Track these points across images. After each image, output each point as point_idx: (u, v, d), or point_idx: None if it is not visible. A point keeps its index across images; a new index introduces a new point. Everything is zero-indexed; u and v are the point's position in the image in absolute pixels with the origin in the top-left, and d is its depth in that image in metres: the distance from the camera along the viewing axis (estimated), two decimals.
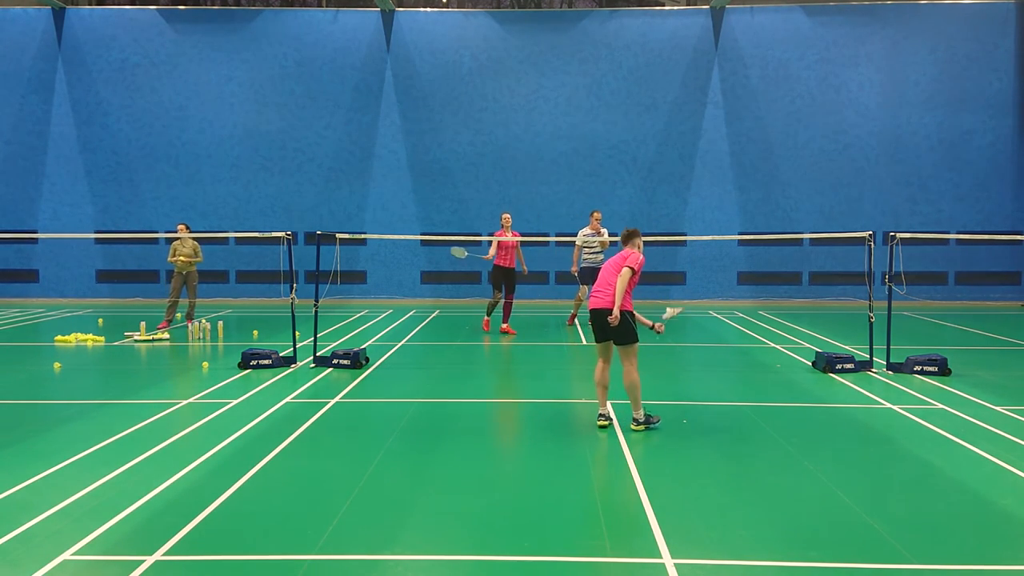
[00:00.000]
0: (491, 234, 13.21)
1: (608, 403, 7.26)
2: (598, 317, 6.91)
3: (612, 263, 7.02)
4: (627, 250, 7.07)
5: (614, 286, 6.83)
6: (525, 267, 13.57)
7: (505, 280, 13.05)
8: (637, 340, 6.86)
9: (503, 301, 13.13)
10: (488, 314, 13.35)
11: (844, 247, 18.40)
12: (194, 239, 13.73)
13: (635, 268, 6.84)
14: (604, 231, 13.47)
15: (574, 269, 13.86)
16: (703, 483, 5.61)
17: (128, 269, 19.06)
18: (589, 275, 13.09)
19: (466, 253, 12.81)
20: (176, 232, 13.69)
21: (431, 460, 6.12)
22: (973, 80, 18.31)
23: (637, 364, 6.86)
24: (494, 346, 12.08)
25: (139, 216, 18.96)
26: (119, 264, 19.13)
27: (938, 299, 18.29)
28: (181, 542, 4.47)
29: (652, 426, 6.93)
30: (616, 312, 6.69)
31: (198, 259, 13.69)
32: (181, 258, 13.40)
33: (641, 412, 6.91)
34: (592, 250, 13.40)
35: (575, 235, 18.42)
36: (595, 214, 13.49)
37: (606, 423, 6.98)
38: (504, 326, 13.10)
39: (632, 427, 6.88)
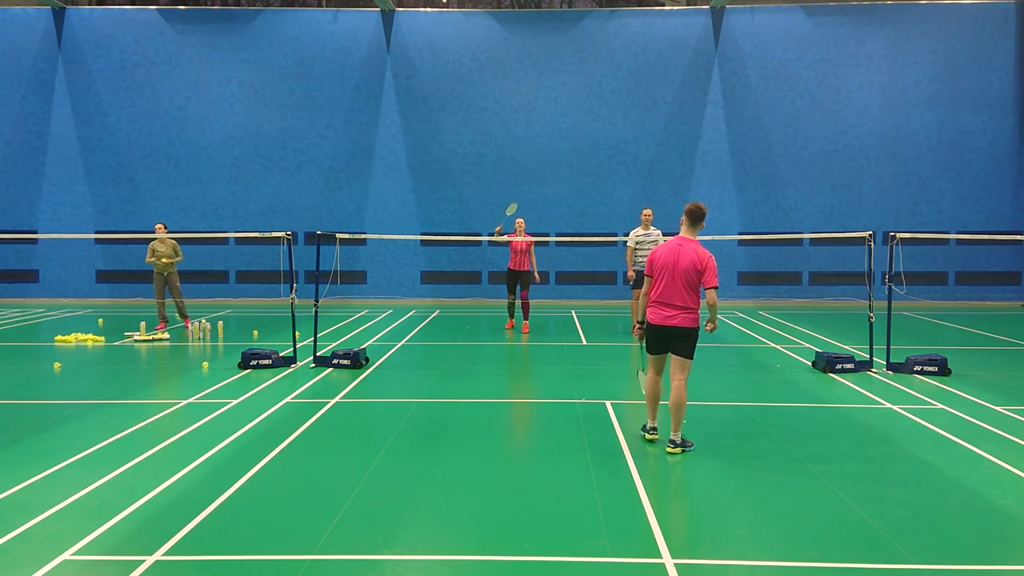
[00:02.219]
0: (497, 233, 13.36)
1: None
2: (674, 335, 6.20)
3: (685, 272, 6.11)
4: (697, 246, 6.18)
5: (693, 301, 6.14)
6: (536, 275, 13.55)
7: (518, 280, 13.41)
8: None
9: (519, 301, 13.52)
10: (511, 315, 13.75)
11: (844, 247, 18.40)
12: (173, 239, 13.54)
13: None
14: (655, 230, 12.76)
15: (630, 273, 12.78)
16: (703, 483, 5.61)
17: (128, 269, 19.05)
18: (640, 281, 12.56)
19: (516, 206, 13.57)
20: (154, 232, 13.28)
21: (431, 460, 6.12)
22: (973, 80, 18.31)
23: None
24: (494, 346, 12.08)
25: (139, 216, 18.95)
26: (119, 264, 19.13)
27: (938, 299, 18.29)
28: (181, 542, 4.48)
29: (687, 450, 6.27)
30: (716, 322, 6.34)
31: (178, 258, 13.52)
32: (163, 259, 13.24)
33: (680, 434, 6.28)
34: (646, 251, 12.48)
35: (575, 235, 18.49)
36: (646, 211, 12.81)
37: (656, 436, 6.51)
38: (524, 323, 13.46)
39: (669, 450, 6.21)
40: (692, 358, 6.29)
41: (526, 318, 13.49)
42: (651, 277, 6.33)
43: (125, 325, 13.68)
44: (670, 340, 6.26)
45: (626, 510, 5.04)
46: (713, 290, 6.17)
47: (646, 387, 6.57)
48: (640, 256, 12.55)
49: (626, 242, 12.93)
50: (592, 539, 4.55)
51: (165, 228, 13.23)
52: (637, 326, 6.67)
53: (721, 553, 4.37)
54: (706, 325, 6.37)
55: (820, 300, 18.24)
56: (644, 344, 6.57)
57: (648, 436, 6.53)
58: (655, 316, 6.27)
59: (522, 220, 13.30)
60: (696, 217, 6.27)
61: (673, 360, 6.29)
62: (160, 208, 18.90)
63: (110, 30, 18.80)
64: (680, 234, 6.36)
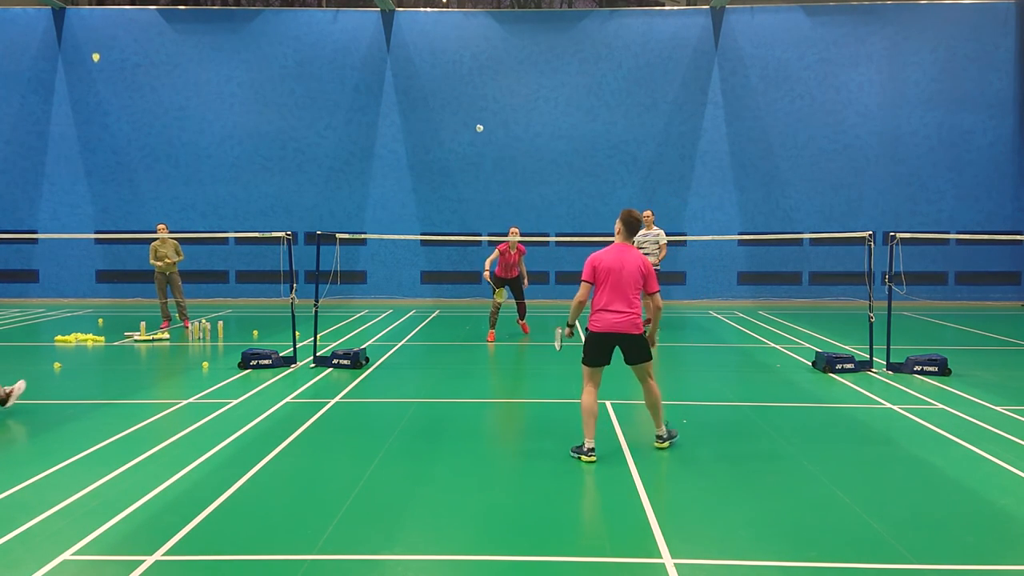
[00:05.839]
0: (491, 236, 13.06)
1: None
2: (623, 343, 6.05)
3: (632, 276, 6.06)
4: (637, 251, 6.20)
5: (637, 305, 6.10)
6: (526, 281, 12.82)
7: (508, 285, 12.58)
8: None
9: (516, 303, 12.78)
10: (492, 326, 12.53)
11: (844, 247, 18.40)
12: (174, 239, 13.62)
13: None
14: (657, 230, 13.15)
15: None
16: (703, 483, 5.60)
17: (128, 269, 19.05)
18: None
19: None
20: (156, 233, 13.36)
21: (431, 460, 6.12)
22: (973, 80, 18.31)
23: None
24: (494, 346, 12.07)
25: (139, 216, 18.95)
26: (119, 264, 19.13)
27: (938, 299, 18.28)
28: (181, 542, 4.48)
29: (674, 440, 6.39)
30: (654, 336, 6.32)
31: (180, 258, 13.61)
32: (167, 259, 13.32)
33: (664, 427, 6.35)
34: (643, 249, 13.05)
35: (574, 235, 18.48)
36: (646, 212, 13.23)
37: (595, 457, 6.01)
38: (521, 323, 12.97)
39: (657, 445, 6.30)
40: (652, 359, 6.19)
41: (523, 317, 12.93)
42: (590, 283, 6.18)
43: (125, 325, 13.68)
44: (622, 349, 6.09)
45: (626, 510, 5.04)
46: (658, 295, 6.25)
47: (584, 404, 6.08)
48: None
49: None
50: (592, 539, 4.55)
51: (166, 228, 13.33)
52: (569, 329, 6.45)
53: (721, 553, 4.37)
54: (649, 337, 6.30)
55: (820, 300, 18.24)
56: (582, 352, 6.25)
57: (586, 458, 5.98)
58: (601, 323, 6.05)
59: (516, 228, 12.57)
60: (635, 227, 6.23)
61: (637, 370, 6.19)
62: (160, 208, 18.91)
63: (110, 30, 18.80)
64: (617, 242, 6.24)
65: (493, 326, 12.58)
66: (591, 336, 6.11)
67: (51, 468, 5.80)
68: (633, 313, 6.06)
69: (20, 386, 7.79)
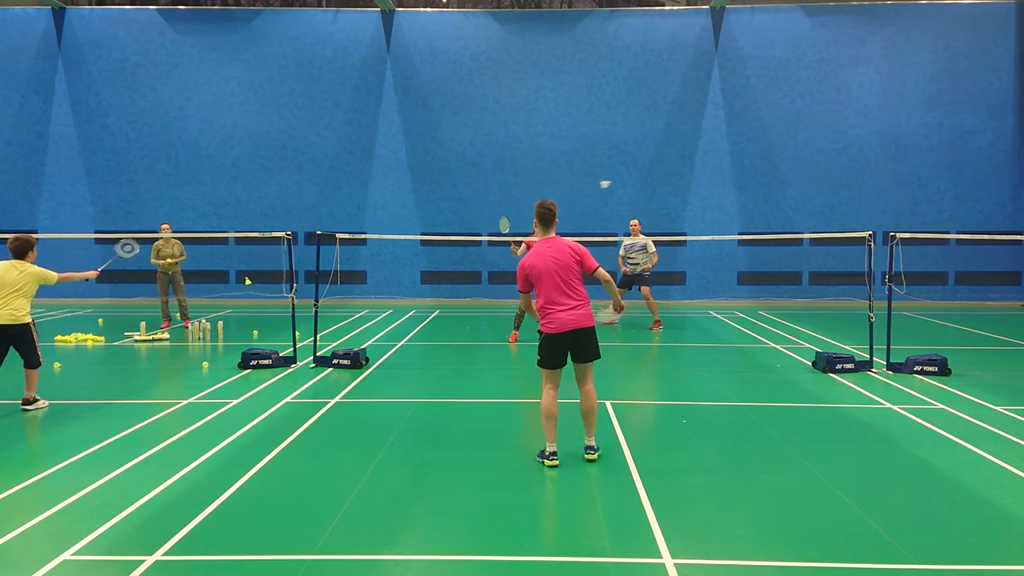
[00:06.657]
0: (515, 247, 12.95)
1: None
2: (579, 339, 5.83)
3: (566, 266, 5.82)
4: (562, 239, 5.96)
5: (583, 292, 5.89)
6: None
7: None
8: None
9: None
10: (516, 327, 12.14)
11: (844, 247, 18.40)
12: (178, 239, 13.67)
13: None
14: (643, 238, 13.72)
15: (624, 269, 13.85)
16: (703, 483, 5.60)
17: (128, 269, 19.01)
18: (625, 282, 13.67)
19: (508, 226, 11.53)
20: (159, 232, 13.46)
21: (431, 460, 6.12)
22: (973, 80, 18.31)
23: None
24: (494, 346, 12.06)
25: (139, 216, 18.95)
26: (118, 264, 19.06)
27: (938, 299, 18.28)
28: (181, 542, 4.48)
29: (599, 454, 6.03)
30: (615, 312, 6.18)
31: (182, 258, 13.66)
32: (169, 260, 13.35)
33: (594, 439, 6.03)
34: (632, 258, 13.66)
35: (574, 235, 18.49)
36: (632, 222, 13.87)
37: (558, 461, 5.85)
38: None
39: (589, 456, 5.94)
40: (600, 357, 5.97)
41: None
42: (526, 292, 6.07)
43: (125, 325, 13.68)
44: (575, 346, 5.86)
45: (626, 510, 5.04)
46: (599, 269, 5.94)
47: (543, 407, 5.91)
48: (629, 264, 13.72)
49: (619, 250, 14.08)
50: (592, 539, 4.54)
51: (170, 228, 13.40)
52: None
53: (721, 553, 4.37)
54: (611, 311, 6.21)
55: (820, 300, 18.24)
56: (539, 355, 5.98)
57: (549, 463, 5.83)
58: (556, 324, 5.80)
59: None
60: (549, 218, 5.97)
61: (583, 369, 5.97)
62: (160, 208, 18.91)
63: (110, 30, 18.80)
64: (538, 238, 6.04)
65: (518, 327, 12.17)
66: (546, 338, 5.88)
67: (51, 468, 5.80)
68: (583, 303, 5.86)
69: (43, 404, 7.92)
